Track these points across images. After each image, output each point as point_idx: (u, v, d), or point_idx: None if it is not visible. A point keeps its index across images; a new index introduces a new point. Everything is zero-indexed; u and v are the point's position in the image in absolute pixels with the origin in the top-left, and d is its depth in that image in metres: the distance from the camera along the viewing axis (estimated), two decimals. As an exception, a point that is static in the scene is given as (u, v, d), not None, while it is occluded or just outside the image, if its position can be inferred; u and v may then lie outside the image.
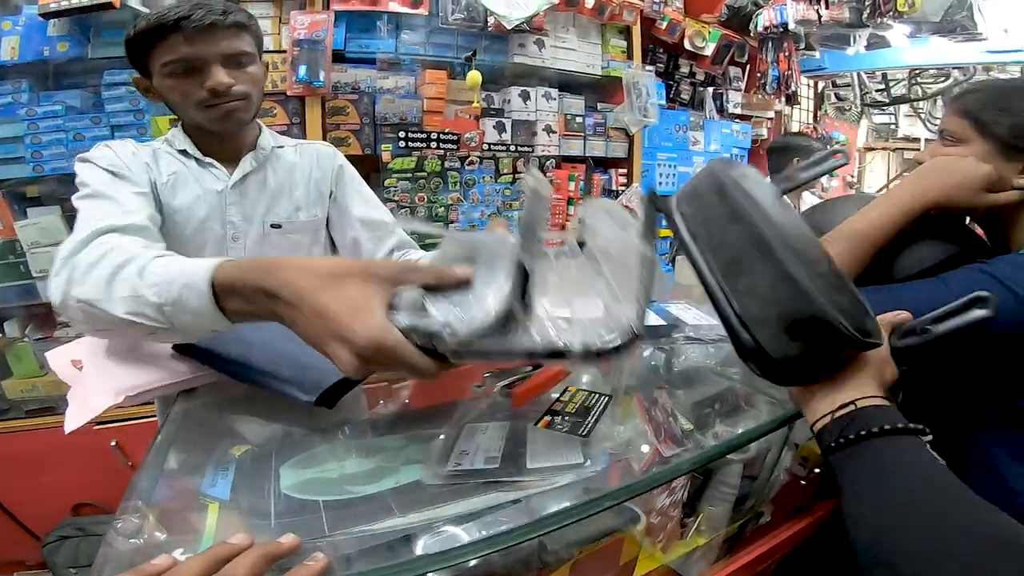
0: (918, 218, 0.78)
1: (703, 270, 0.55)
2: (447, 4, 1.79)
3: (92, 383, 0.61)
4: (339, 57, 1.72)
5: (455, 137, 1.85)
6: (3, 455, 1.67)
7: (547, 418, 0.63)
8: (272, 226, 1.00)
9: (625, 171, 2.31)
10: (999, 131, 0.75)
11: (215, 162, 0.96)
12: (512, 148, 1.98)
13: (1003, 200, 0.75)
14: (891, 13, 2.54)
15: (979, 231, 0.87)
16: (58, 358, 0.68)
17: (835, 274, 0.55)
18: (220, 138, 0.95)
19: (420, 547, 0.49)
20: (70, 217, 1.57)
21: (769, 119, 3.10)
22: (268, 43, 1.64)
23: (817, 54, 3.17)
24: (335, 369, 0.45)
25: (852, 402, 0.49)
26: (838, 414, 0.49)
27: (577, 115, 2.16)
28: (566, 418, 0.63)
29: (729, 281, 0.54)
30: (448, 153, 1.85)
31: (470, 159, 1.89)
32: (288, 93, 1.66)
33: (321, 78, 1.65)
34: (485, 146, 1.92)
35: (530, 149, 2.04)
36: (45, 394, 1.68)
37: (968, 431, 0.79)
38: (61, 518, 1.76)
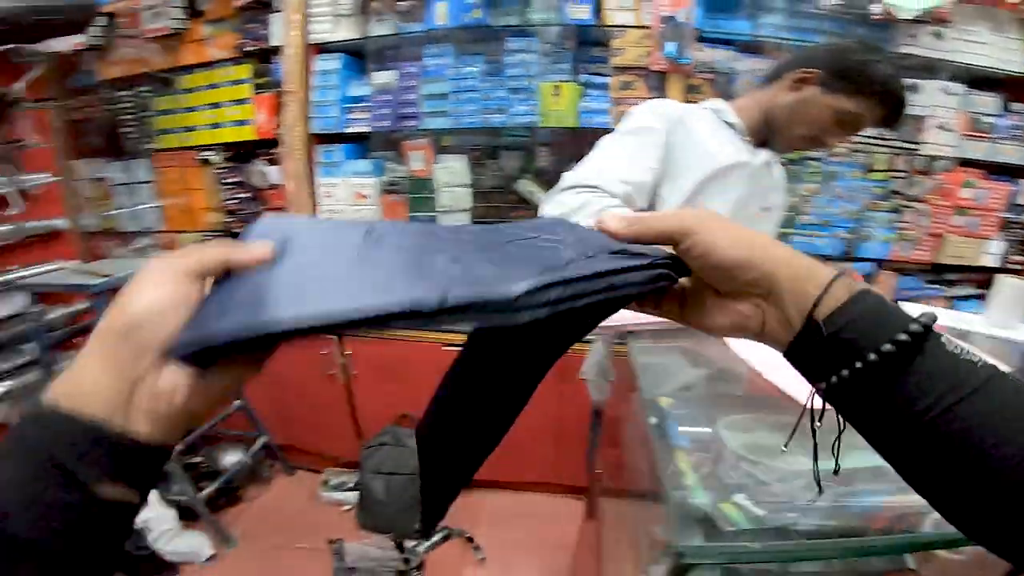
0: None
1: None
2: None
3: None
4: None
5: (822, 123, 1.64)
6: (367, 361, 1.97)
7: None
8: (762, 209, 1.07)
9: (1048, 187, 1.75)
10: None
11: (750, 139, 1.04)
12: (892, 144, 1.67)
13: None
14: None
15: None
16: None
17: None
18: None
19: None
20: (473, 165, 1.85)
21: None
22: (630, 17, 1.69)
23: None
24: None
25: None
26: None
27: (987, 115, 1.73)
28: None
29: None
30: (812, 140, 1.64)
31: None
32: (652, 68, 1.68)
33: (688, 56, 1.64)
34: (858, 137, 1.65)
35: (915, 147, 1.69)
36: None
37: None
38: (385, 425, 1.92)
